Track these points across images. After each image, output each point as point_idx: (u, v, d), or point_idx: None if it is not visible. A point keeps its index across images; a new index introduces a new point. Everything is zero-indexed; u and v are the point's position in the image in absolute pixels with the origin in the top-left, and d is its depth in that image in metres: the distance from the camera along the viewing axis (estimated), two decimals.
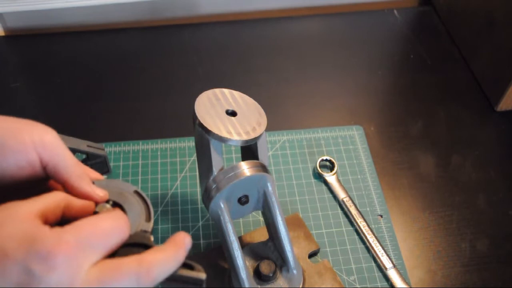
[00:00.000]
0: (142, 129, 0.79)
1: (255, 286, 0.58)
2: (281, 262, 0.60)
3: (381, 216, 0.70)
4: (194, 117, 0.57)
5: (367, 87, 0.87)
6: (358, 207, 0.70)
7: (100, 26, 0.96)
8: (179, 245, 0.38)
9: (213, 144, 0.56)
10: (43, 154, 0.39)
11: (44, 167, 0.39)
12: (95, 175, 0.43)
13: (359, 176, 0.74)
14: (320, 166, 0.74)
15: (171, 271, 0.38)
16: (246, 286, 0.57)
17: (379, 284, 0.64)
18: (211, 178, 0.56)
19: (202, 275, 0.41)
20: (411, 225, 0.70)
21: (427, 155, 0.78)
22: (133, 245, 0.38)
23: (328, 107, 0.84)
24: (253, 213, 0.67)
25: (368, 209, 0.71)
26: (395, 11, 0.99)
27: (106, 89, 0.86)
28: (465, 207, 0.72)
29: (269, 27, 0.97)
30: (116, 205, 0.42)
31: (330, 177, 0.73)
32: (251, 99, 0.61)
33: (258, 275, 0.59)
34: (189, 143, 0.77)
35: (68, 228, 0.33)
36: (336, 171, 0.74)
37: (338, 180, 0.73)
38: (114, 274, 0.34)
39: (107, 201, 0.42)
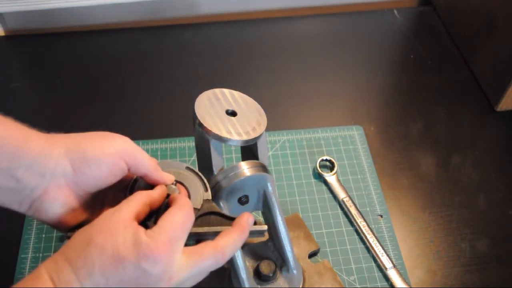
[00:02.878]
0: (142, 129, 0.79)
1: (255, 286, 0.58)
2: (281, 262, 0.60)
3: (381, 216, 0.71)
4: (194, 117, 0.56)
5: (367, 87, 0.87)
6: (358, 207, 0.70)
7: (100, 26, 0.96)
8: (244, 226, 0.48)
9: (213, 144, 0.56)
10: (128, 159, 0.48)
11: (129, 168, 0.48)
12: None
13: (359, 176, 0.74)
14: (320, 166, 0.74)
15: (239, 248, 0.48)
16: (246, 286, 0.57)
17: (379, 284, 0.64)
18: (211, 178, 0.56)
19: (264, 227, 0.50)
20: (411, 225, 0.70)
21: (427, 155, 0.78)
22: (205, 214, 0.49)
23: (328, 107, 0.84)
24: (253, 213, 0.67)
25: (368, 209, 0.71)
26: (395, 11, 0.99)
27: (106, 89, 0.86)
28: (465, 207, 0.72)
29: (269, 27, 0.97)
30: (178, 183, 0.51)
31: (330, 177, 0.73)
32: (251, 99, 0.61)
33: (258, 275, 0.59)
34: (189, 143, 0.77)
35: (157, 229, 0.43)
36: (336, 171, 0.74)
37: (338, 180, 0.73)
38: (198, 259, 0.45)
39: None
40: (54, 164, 0.46)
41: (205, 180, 0.52)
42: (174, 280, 0.43)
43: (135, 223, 0.43)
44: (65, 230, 0.48)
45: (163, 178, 0.50)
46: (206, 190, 0.52)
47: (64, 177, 0.46)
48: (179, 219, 0.44)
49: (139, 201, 0.45)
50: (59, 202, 0.47)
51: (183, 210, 0.45)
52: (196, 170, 0.52)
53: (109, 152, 0.47)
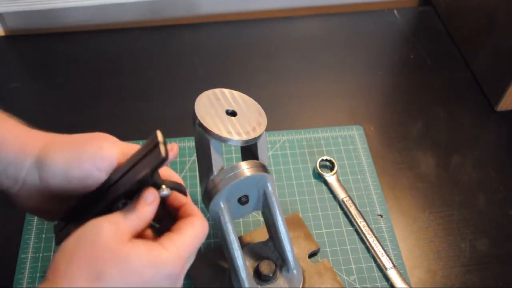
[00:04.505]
0: (142, 129, 0.79)
1: (255, 286, 0.58)
2: (281, 262, 0.60)
3: (381, 216, 0.71)
4: (194, 117, 0.56)
5: (367, 87, 0.87)
6: (358, 207, 0.70)
7: (100, 26, 0.96)
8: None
9: (213, 144, 0.56)
10: (107, 167, 0.45)
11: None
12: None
13: (359, 176, 0.74)
14: (320, 166, 0.74)
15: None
16: (246, 286, 0.57)
17: (379, 284, 0.64)
18: (211, 178, 0.56)
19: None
20: (411, 225, 0.70)
21: (427, 155, 0.78)
22: None
23: (328, 107, 0.84)
24: (253, 213, 0.67)
25: (368, 209, 0.71)
26: (395, 11, 0.99)
27: (106, 89, 0.86)
28: (465, 207, 0.72)
29: (269, 27, 0.97)
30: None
31: (330, 177, 0.73)
32: (251, 99, 0.61)
33: (258, 275, 0.59)
34: (189, 143, 0.77)
35: (175, 248, 0.43)
36: (336, 171, 0.74)
37: (338, 180, 0.73)
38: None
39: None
40: (25, 174, 0.46)
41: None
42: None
43: (137, 241, 0.42)
44: (49, 219, 0.49)
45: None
46: None
47: (35, 186, 0.46)
48: (196, 239, 0.45)
49: (141, 221, 0.44)
50: (30, 205, 0.47)
51: (200, 231, 0.45)
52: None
53: (78, 164, 0.45)
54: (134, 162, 0.45)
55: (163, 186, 0.45)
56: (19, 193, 0.46)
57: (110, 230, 0.41)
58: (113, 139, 0.48)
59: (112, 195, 0.45)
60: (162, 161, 0.42)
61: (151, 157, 0.44)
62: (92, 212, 0.46)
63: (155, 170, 0.43)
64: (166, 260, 0.42)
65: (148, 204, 0.44)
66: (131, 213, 0.43)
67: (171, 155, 0.45)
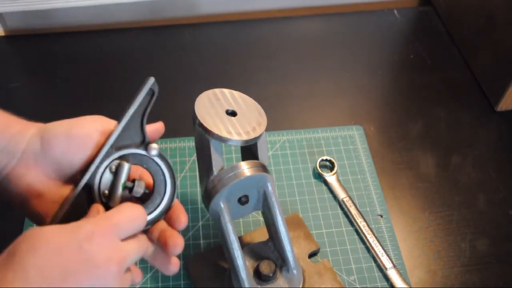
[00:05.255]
0: None
1: (255, 286, 0.58)
2: (281, 262, 0.60)
3: (381, 216, 0.70)
4: (194, 117, 0.57)
5: (367, 87, 0.87)
6: (358, 207, 0.70)
7: (100, 26, 0.96)
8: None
9: (213, 144, 0.56)
10: (105, 127, 0.47)
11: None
12: None
13: (359, 176, 0.74)
14: (320, 166, 0.74)
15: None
16: (246, 286, 0.57)
17: (379, 284, 0.64)
18: (211, 178, 0.56)
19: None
20: (411, 225, 0.70)
21: (427, 155, 0.78)
22: None
23: (328, 107, 0.84)
24: (253, 213, 0.67)
25: (368, 209, 0.71)
26: (395, 11, 0.99)
27: (106, 89, 0.86)
28: (465, 207, 0.72)
29: (269, 27, 0.97)
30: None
31: (330, 177, 0.73)
32: (251, 99, 0.61)
33: (258, 275, 0.59)
34: (189, 143, 0.77)
35: (101, 215, 0.43)
36: (336, 171, 0.74)
37: (338, 180, 0.73)
38: (137, 244, 0.45)
39: None
40: (25, 144, 0.46)
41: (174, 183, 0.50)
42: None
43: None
44: (35, 221, 0.47)
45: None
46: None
47: (34, 155, 0.46)
48: (128, 213, 0.44)
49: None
50: (24, 182, 0.46)
51: (135, 210, 0.45)
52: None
53: (79, 124, 0.47)
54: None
55: (152, 145, 0.49)
56: (14, 170, 0.45)
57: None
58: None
59: (102, 149, 0.47)
60: (152, 87, 0.50)
61: (140, 90, 0.50)
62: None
63: (149, 101, 0.50)
64: (80, 222, 0.41)
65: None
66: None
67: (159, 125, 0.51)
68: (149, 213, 0.48)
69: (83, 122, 0.48)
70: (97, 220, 0.42)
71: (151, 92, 0.50)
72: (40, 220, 0.47)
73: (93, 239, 0.40)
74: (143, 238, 0.46)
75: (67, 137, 0.46)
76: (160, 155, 0.49)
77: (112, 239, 0.41)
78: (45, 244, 0.39)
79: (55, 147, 0.46)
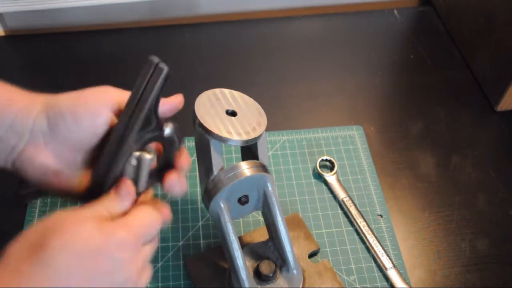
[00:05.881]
0: None
1: (255, 286, 0.58)
2: (281, 262, 0.60)
3: (381, 216, 0.70)
4: (194, 117, 0.57)
5: (367, 87, 0.87)
6: (358, 207, 0.70)
7: (100, 26, 0.96)
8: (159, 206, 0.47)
9: (213, 144, 0.56)
10: (112, 102, 0.46)
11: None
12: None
13: (359, 176, 0.74)
14: (320, 166, 0.74)
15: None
16: (246, 286, 0.57)
17: (379, 284, 0.64)
18: (211, 178, 0.56)
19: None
20: (411, 225, 0.70)
21: (427, 155, 0.78)
22: None
23: (328, 107, 0.84)
24: (253, 213, 0.67)
25: (368, 209, 0.71)
26: (395, 11, 0.99)
27: None
28: (465, 207, 0.72)
29: (269, 27, 0.97)
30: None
31: (330, 177, 0.73)
32: (251, 99, 0.61)
33: (258, 275, 0.59)
34: (189, 143, 0.77)
35: (123, 221, 0.42)
36: (336, 171, 0.74)
37: (338, 180, 0.73)
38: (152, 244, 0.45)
39: None
40: (32, 122, 0.45)
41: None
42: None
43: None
44: (59, 196, 0.47)
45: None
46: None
47: (43, 135, 0.45)
48: (148, 219, 0.44)
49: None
50: (36, 162, 0.45)
51: (155, 214, 0.45)
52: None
53: (85, 102, 0.45)
54: (138, 95, 0.46)
55: (166, 127, 0.48)
56: (25, 151, 0.44)
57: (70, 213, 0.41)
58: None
59: (123, 146, 0.45)
60: (167, 75, 0.44)
61: (154, 78, 0.45)
62: (109, 178, 0.45)
63: (162, 87, 0.45)
64: (114, 226, 0.41)
65: (120, 199, 0.44)
66: (99, 204, 0.43)
67: (178, 100, 0.49)
68: None
69: (89, 99, 0.46)
70: (129, 227, 0.42)
71: (165, 78, 0.46)
72: (63, 194, 0.47)
73: (125, 249, 0.41)
74: (156, 238, 0.47)
75: (74, 118, 0.44)
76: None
77: (137, 247, 0.42)
78: (80, 245, 0.39)
79: (63, 129, 0.44)
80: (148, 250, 0.45)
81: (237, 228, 0.68)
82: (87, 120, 0.45)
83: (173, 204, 0.70)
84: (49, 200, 0.70)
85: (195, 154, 0.59)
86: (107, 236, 0.40)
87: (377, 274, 0.65)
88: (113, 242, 0.40)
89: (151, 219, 0.44)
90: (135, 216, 0.43)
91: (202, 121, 0.55)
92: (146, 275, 0.45)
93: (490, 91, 0.85)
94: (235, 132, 0.55)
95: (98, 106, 0.45)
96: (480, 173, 0.76)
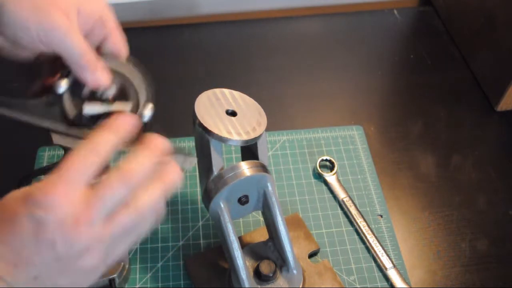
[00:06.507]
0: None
1: (255, 286, 0.58)
2: (281, 262, 0.60)
3: (381, 216, 0.70)
4: (194, 117, 0.57)
5: (367, 87, 0.87)
6: (358, 207, 0.70)
7: None
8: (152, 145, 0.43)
9: (213, 144, 0.56)
10: (49, 45, 0.42)
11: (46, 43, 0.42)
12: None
13: (359, 176, 0.74)
14: (320, 166, 0.74)
15: (147, 167, 0.41)
16: (246, 286, 0.57)
17: (379, 284, 0.64)
18: (211, 178, 0.56)
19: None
20: (411, 225, 0.70)
21: (427, 155, 0.78)
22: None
23: (328, 107, 0.84)
24: (253, 213, 0.67)
25: (368, 209, 0.71)
26: (395, 11, 0.99)
27: None
28: (465, 207, 0.72)
29: (269, 27, 0.97)
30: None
31: (330, 177, 0.73)
32: (251, 99, 0.61)
33: (258, 275, 0.59)
34: (189, 143, 0.77)
35: (52, 174, 0.37)
36: (336, 171, 0.74)
37: (338, 180, 0.73)
38: (103, 188, 0.37)
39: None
40: None
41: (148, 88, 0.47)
42: (84, 221, 0.36)
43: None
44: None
45: (96, 76, 0.42)
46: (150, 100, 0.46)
47: None
48: (79, 155, 0.38)
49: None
50: None
51: (85, 145, 0.38)
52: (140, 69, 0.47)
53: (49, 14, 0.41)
54: None
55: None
56: None
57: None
58: None
59: None
60: None
61: None
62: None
63: None
64: (35, 189, 0.36)
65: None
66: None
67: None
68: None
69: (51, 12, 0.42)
70: (48, 178, 0.36)
71: None
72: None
73: (45, 203, 0.35)
74: (113, 177, 0.38)
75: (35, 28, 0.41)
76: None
77: (69, 196, 0.36)
78: (2, 212, 0.36)
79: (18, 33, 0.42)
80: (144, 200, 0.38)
81: (237, 228, 0.68)
82: (49, 36, 0.42)
83: (173, 204, 0.70)
84: None
85: (195, 154, 0.59)
86: (27, 195, 0.36)
87: (377, 274, 0.65)
88: (32, 199, 0.36)
89: (81, 156, 0.38)
90: (65, 161, 0.37)
91: (202, 121, 0.55)
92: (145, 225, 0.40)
93: (490, 91, 0.85)
94: (235, 132, 0.55)
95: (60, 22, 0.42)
96: (480, 173, 0.76)
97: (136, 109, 0.47)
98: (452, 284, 0.65)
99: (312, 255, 0.66)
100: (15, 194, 0.36)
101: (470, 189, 0.74)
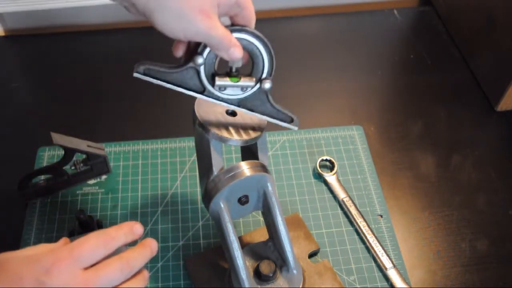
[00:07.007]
0: (142, 129, 0.79)
1: (255, 286, 0.58)
2: (281, 262, 0.60)
3: (381, 216, 0.70)
4: (194, 117, 0.57)
5: (367, 87, 0.87)
6: (358, 207, 0.70)
7: (100, 26, 0.96)
8: (146, 246, 0.48)
9: (213, 144, 0.56)
10: (195, 41, 0.51)
11: None
12: None
13: (359, 176, 0.74)
14: (320, 166, 0.74)
15: (145, 260, 0.48)
16: (246, 286, 0.57)
17: (379, 284, 0.64)
18: (211, 178, 0.56)
19: None
20: (411, 225, 0.70)
21: (427, 155, 0.78)
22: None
23: (328, 107, 0.84)
24: (253, 213, 0.67)
25: (368, 209, 0.71)
26: (395, 11, 0.99)
27: (106, 89, 0.86)
28: (465, 207, 0.72)
29: (269, 27, 0.97)
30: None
31: (330, 177, 0.73)
32: None
33: (258, 275, 0.59)
34: (189, 143, 0.77)
35: (64, 247, 0.44)
36: (336, 171, 0.74)
37: (338, 180, 0.73)
38: (104, 269, 0.44)
39: None
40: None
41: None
42: None
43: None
44: None
45: (229, 53, 0.50)
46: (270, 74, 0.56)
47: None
48: (92, 243, 0.44)
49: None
50: None
51: (101, 236, 0.45)
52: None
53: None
54: None
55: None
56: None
57: None
58: None
59: None
60: None
61: None
62: None
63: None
64: (40, 255, 0.43)
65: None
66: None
67: None
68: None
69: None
70: (58, 252, 0.43)
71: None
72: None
73: (51, 272, 0.42)
74: (114, 262, 0.45)
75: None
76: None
77: (71, 270, 0.43)
78: (6, 273, 0.42)
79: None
80: (98, 274, 0.44)
81: (237, 228, 0.68)
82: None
83: (173, 204, 0.70)
84: (49, 200, 0.70)
85: (195, 154, 0.59)
86: (32, 261, 0.43)
87: (377, 274, 0.65)
88: (39, 267, 0.42)
89: (91, 242, 0.45)
90: (73, 242, 0.45)
91: (202, 121, 0.55)
92: None
93: (490, 91, 0.85)
94: (235, 132, 0.55)
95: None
96: (480, 173, 0.76)
97: (258, 82, 0.54)
98: (452, 284, 0.65)
99: (312, 255, 0.66)
100: (19, 257, 0.43)
101: (470, 189, 0.74)
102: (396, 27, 0.97)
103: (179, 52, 0.53)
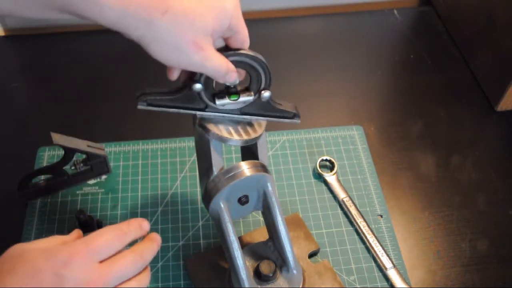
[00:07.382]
0: (142, 129, 0.79)
1: (255, 286, 0.58)
2: (281, 262, 0.60)
3: (381, 216, 0.71)
4: (194, 117, 0.57)
5: (367, 87, 0.87)
6: (358, 207, 0.70)
7: (100, 26, 0.96)
8: (153, 239, 0.51)
9: (213, 144, 0.56)
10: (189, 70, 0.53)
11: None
12: None
13: (359, 176, 0.74)
14: (320, 166, 0.74)
15: (155, 252, 0.50)
16: (246, 286, 0.57)
17: (379, 284, 0.64)
18: (211, 178, 0.56)
19: None
20: (411, 225, 0.70)
21: (427, 155, 0.78)
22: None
23: (328, 107, 0.84)
24: (253, 213, 0.67)
25: (368, 209, 0.71)
26: (395, 11, 0.99)
27: (106, 89, 0.86)
28: (465, 207, 0.72)
29: (269, 27, 0.97)
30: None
31: (330, 177, 0.73)
32: None
33: (258, 275, 0.59)
34: (189, 143, 0.77)
35: (80, 240, 0.46)
36: (336, 171, 0.74)
37: (338, 180, 0.73)
38: (119, 262, 0.46)
39: None
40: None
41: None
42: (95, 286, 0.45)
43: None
44: None
45: (225, 78, 0.52)
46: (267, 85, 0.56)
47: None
48: (108, 236, 0.46)
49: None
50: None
51: (118, 230, 0.47)
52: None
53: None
54: None
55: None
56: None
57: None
58: None
59: None
60: None
61: None
62: None
63: None
64: (59, 248, 0.44)
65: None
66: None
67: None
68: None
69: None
70: (75, 245, 0.45)
71: None
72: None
73: (69, 265, 0.43)
74: (128, 255, 0.47)
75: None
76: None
77: (88, 263, 0.44)
78: (24, 265, 0.43)
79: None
80: (112, 268, 0.45)
81: (237, 228, 0.68)
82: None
83: (173, 204, 0.70)
84: (49, 200, 0.70)
85: (195, 154, 0.59)
86: (50, 254, 0.44)
87: (377, 274, 0.65)
88: (57, 259, 0.43)
89: (107, 236, 0.46)
90: (89, 235, 0.47)
91: (202, 121, 0.55)
92: None
93: (490, 91, 0.85)
94: (235, 132, 0.55)
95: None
96: (480, 173, 0.76)
97: (257, 94, 0.56)
98: (452, 284, 0.65)
99: (312, 255, 0.66)
100: (35, 249, 0.45)
101: (470, 189, 0.74)
102: (396, 27, 0.97)
103: (174, 76, 0.54)
